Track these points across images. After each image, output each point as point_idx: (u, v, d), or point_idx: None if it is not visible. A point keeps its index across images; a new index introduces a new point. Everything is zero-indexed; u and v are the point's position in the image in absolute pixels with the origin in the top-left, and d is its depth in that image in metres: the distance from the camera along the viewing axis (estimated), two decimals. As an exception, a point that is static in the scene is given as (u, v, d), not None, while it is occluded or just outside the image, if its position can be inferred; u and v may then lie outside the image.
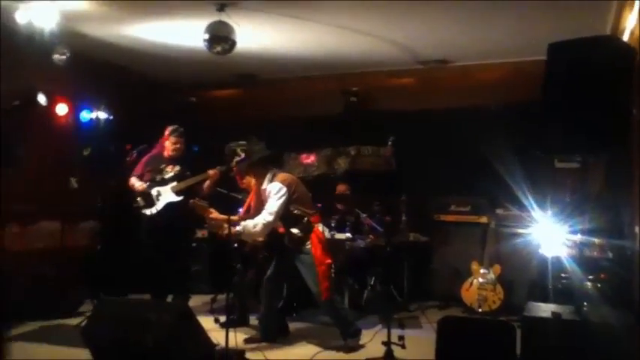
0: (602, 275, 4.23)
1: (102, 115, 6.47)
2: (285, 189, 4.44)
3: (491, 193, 6.08)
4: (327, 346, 4.64)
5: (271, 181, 4.53)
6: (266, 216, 4.39)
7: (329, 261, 4.51)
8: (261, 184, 4.60)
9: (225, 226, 4.21)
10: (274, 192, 4.44)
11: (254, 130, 5.51)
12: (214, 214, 4.52)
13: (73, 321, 5.16)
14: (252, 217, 4.62)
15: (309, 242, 4.50)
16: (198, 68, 6.77)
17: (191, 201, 4.70)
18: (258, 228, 4.38)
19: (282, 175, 4.58)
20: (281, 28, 5.54)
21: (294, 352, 4.58)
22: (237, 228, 4.35)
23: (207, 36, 5.00)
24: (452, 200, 6.51)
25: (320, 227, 4.65)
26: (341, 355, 4.50)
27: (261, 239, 4.66)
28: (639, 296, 3.77)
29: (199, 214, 4.65)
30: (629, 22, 4.10)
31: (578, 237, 4.20)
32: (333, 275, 4.55)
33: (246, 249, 5.11)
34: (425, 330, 5.17)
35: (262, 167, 4.61)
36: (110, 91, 6.58)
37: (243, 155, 4.61)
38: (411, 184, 6.44)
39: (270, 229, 4.44)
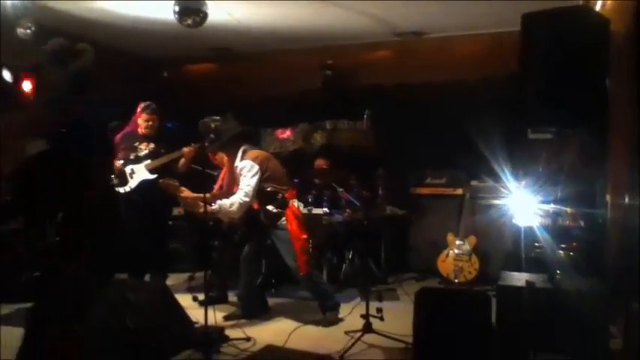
0: (575, 244, 4.31)
1: (71, 92, 6.30)
2: (257, 166, 4.41)
3: (467, 166, 6.13)
4: (306, 321, 4.67)
5: (242, 158, 4.48)
6: (241, 195, 4.36)
7: (305, 236, 4.51)
8: (233, 161, 4.55)
9: (201, 204, 4.17)
10: (247, 170, 4.40)
11: (230, 105, 5.45)
12: (186, 192, 4.45)
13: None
14: (225, 193, 4.59)
15: (284, 218, 4.49)
16: (170, 42, 6.62)
17: (160, 180, 4.62)
18: (234, 207, 4.35)
19: (253, 152, 4.53)
20: (255, 1, 5.42)
21: (274, 327, 4.61)
22: (214, 207, 4.31)
23: (177, 8, 4.88)
24: (428, 173, 6.55)
25: (295, 203, 4.64)
26: (320, 328, 4.54)
27: (237, 217, 4.63)
28: (611, 264, 3.86)
29: (170, 194, 4.58)
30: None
31: (551, 207, 4.26)
32: (310, 250, 4.56)
33: (223, 226, 5.08)
34: (402, 302, 5.25)
35: (233, 145, 4.54)
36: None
37: (213, 136, 4.50)
38: (388, 158, 6.46)
39: (246, 207, 4.41)
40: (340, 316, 4.68)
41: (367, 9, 5.66)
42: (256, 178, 4.39)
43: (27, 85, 6.03)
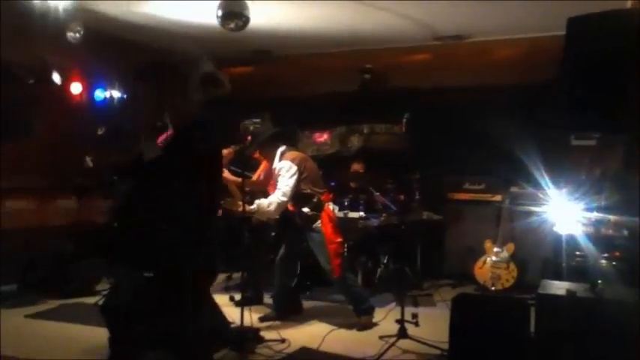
0: (617, 253, 4.19)
1: (116, 93, 6.48)
2: (295, 167, 4.44)
3: (506, 172, 6.04)
4: (341, 324, 4.68)
5: (280, 159, 4.52)
6: (279, 195, 4.39)
7: (340, 239, 4.53)
8: (270, 162, 4.59)
9: (240, 203, 4.23)
10: (285, 170, 4.43)
11: (269, 107, 5.51)
12: (226, 173, 4.43)
13: (92, 299, 5.25)
14: (262, 184, 4.64)
15: (319, 221, 4.51)
16: (212, 45, 6.72)
17: (222, 202, 4.67)
18: (272, 207, 4.38)
19: (291, 154, 4.56)
20: (295, 3, 5.47)
21: (308, 329, 4.63)
22: (252, 207, 4.36)
23: (220, 12, 4.95)
24: (465, 179, 6.48)
25: (330, 206, 4.65)
26: (354, 332, 4.54)
27: (274, 217, 4.67)
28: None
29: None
30: (650, -4, 3.99)
31: (594, 215, 4.16)
32: (345, 253, 4.56)
33: (254, 225, 5.12)
34: (438, 308, 5.19)
35: (270, 146, 4.57)
36: (124, 69, 6.58)
37: (249, 137, 4.53)
38: (424, 162, 6.42)
39: (283, 207, 4.45)
40: (375, 320, 4.68)
41: (408, 12, 5.63)
42: (294, 178, 4.42)
43: (76, 87, 6.26)
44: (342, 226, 4.76)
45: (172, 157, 2.53)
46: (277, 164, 4.51)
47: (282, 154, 4.55)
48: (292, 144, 5.15)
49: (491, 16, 5.69)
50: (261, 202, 4.40)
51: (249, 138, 4.54)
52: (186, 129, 2.57)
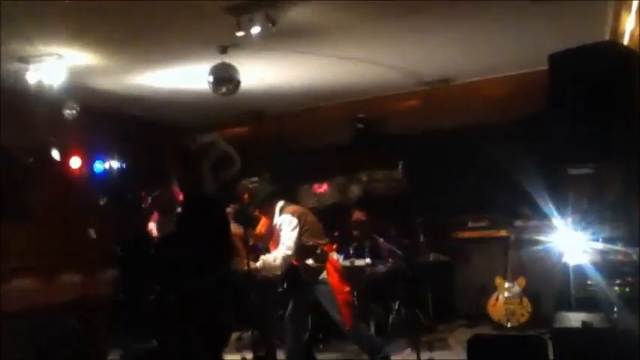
0: (630, 279, 4.16)
1: (115, 164, 6.57)
2: (295, 220, 4.46)
3: (508, 206, 6.06)
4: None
5: (281, 213, 4.54)
6: (284, 249, 4.39)
7: (347, 289, 4.49)
8: (271, 220, 4.61)
9: (244, 261, 4.23)
10: (286, 224, 4.45)
11: (266, 165, 5.60)
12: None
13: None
14: (264, 239, 4.65)
15: (325, 272, 4.48)
16: (206, 110, 6.86)
17: None
18: (278, 261, 4.38)
19: (290, 208, 4.60)
20: (284, 63, 5.62)
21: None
22: (258, 263, 4.36)
23: (211, 78, 5.09)
24: (469, 217, 6.48)
25: (335, 256, 4.64)
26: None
27: (278, 273, 4.64)
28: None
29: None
30: (627, 24, 4.12)
31: (602, 244, 4.15)
32: (355, 302, 4.51)
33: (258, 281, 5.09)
34: (454, 351, 5.10)
35: (268, 204, 4.61)
36: (121, 140, 6.70)
37: (247, 197, 4.55)
38: (426, 205, 6.42)
39: (289, 261, 4.44)
40: (392, 368, 4.58)
41: (393, 61, 5.78)
42: (296, 231, 4.43)
43: (75, 162, 6.34)
44: (349, 274, 4.73)
45: (188, 229, 2.62)
46: (277, 219, 4.54)
47: (282, 208, 4.59)
48: (291, 199, 5.19)
49: (475, 58, 5.84)
50: (267, 258, 4.40)
51: (247, 197, 4.58)
52: (198, 203, 2.68)
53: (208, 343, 2.70)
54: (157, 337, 2.67)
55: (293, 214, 4.51)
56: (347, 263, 5.16)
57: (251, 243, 4.51)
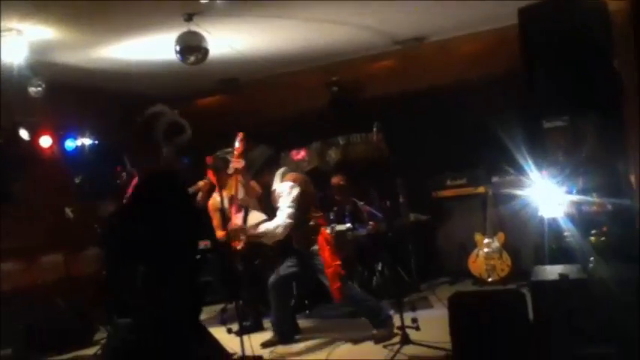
0: (605, 228, 4.23)
1: (87, 141, 6.44)
2: (297, 188, 4.43)
3: (486, 163, 6.09)
4: (344, 339, 4.66)
5: (282, 180, 4.50)
6: (284, 217, 4.36)
7: (338, 262, 4.46)
8: (269, 186, 4.56)
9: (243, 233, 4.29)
10: (287, 192, 4.41)
11: (245, 132, 5.51)
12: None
13: (90, 350, 5.17)
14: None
15: (316, 244, 4.47)
16: (177, 80, 6.72)
17: (229, 229, 4.65)
18: (279, 230, 4.36)
19: (291, 175, 4.56)
20: (253, 29, 5.50)
21: (311, 349, 4.59)
22: (259, 231, 4.35)
23: (178, 47, 4.97)
24: (447, 175, 6.50)
25: (328, 230, 4.63)
26: (358, 345, 4.50)
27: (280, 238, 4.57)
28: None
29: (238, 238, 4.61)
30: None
31: (577, 196, 4.21)
32: (344, 274, 4.48)
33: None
34: (437, 309, 5.18)
35: (268, 169, 4.56)
36: (92, 116, 6.55)
37: (242, 163, 4.45)
38: (405, 165, 6.43)
39: (289, 229, 4.41)
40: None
41: (364, 22, 5.69)
42: (297, 199, 4.39)
43: (46, 141, 6.20)
44: (339, 242, 4.73)
45: (144, 204, 2.59)
46: (278, 186, 4.49)
47: (283, 175, 4.54)
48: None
49: (448, 14, 5.76)
50: (268, 226, 4.37)
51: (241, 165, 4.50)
52: (154, 177, 2.68)
53: (183, 314, 2.72)
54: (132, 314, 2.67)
55: (295, 181, 4.47)
56: (328, 229, 5.14)
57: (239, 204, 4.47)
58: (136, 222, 2.59)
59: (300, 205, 4.43)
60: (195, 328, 3.59)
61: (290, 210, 4.37)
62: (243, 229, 4.40)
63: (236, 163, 4.60)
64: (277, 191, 4.48)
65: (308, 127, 6.91)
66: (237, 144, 4.70)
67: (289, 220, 4.36)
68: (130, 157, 2.95)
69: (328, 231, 4.63)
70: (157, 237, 2.53)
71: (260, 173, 4.57)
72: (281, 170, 4.58)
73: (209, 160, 4.51)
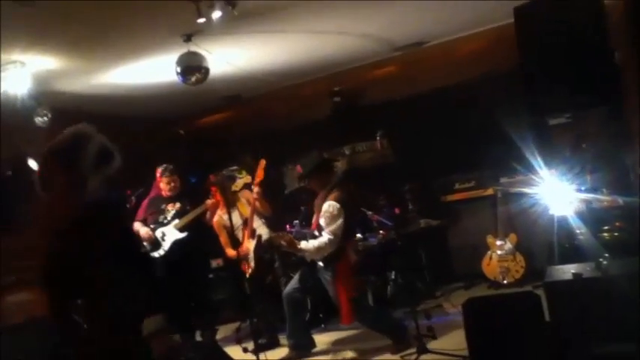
0: (618, 224, 4.17)
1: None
2: (342, 210, 4.35)
3: (493, 164, 6.05)
4: (361, 351, 4.63)
5: (326, 198, 4.43)
6: (329, 236, 4.32)
7: (352, 285, 4.42)
8: (319, 189, 4.53)
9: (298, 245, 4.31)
10: (330, 212, 4.35)
11: (248, 148, 5.55)
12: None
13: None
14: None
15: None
16: (181, 100, 6.77)
17: (272, 236, 4.82)
18: (326, 251, 4.34)
19: (336, 194, 4.45)
20: (252, 44, 5.52)
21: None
22: (309, 247, 4.33)
23: (179, 69, 5.00)
24: (455, 179, 6.46)
25: (352, 254, 4.58)
26: (375, 357, 4.47)
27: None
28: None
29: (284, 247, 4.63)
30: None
31: (587, 193, 4.15)
32: (356, 296, 4.45)
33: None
34: (452, 315, 5.12)
35: (317, 176, 4.54)
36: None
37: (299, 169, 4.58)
38: (412, 171, 6.42)
39: (333, 248, 4.36)
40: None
41: (363, 31, 5.70)
42: (341, 220, 4.33)
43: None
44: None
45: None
46: (324, 205, 4.41)
47: (328, 193, 4.46)
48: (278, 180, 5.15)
49: (445, 16, 5.74)
50: (309, 247, 4.34)
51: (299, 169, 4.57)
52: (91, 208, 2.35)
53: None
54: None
55: (339, 201, 4.39)
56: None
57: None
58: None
59: (345, 225, 4.38)
60: (210, 349, 3.58)
61: (335, 231, 4.32)
62: (290, 238, 4.37)
63: (256, 190, 4.76)
64: (323, 209, 4.40)
65: (313, 139, 6.90)
66: (258, 171, 4.79)
67: (333, 241, 4.32)
68: (41, 182, 2.41)
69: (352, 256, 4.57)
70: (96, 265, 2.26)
71: (309, 178, 4.58)
72: (329, 186, 4.49)
73: (212, 177, 4.53)
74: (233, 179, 5.12)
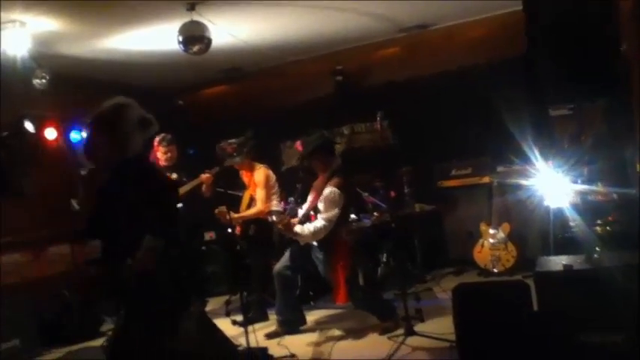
0: (610, 217, 4.18)
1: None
2: (342, 196, 4.36)
3: (491, 152, 6.04)
4: (349, 330, 4.67)
5: (327, 183, 4.41)
6: (325, 223, 4.33)
7: (348, 265, 4.44)
8: (323, 171, 4.50)
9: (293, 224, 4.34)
10: (330, 198, 4.35)
11: (247, 123, 5.51)
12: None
13: (98, 342, 5.20)
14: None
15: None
16: (181, 70, 6.70)
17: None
18: (320, 236, 4.35)
19: (338, 180, 4.44)
20: (256, 17, 5.45)
21: (316, 340, 4.59)
22: (304, 231, 4.34)
23: (181, 38, 4.94)
24: (452, 165, 6.46)
25: (345, 236, 4.58)
26: (363, 336, 4.50)
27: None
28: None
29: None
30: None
31: (582, 185, 4.15)
32: (351, 277, 4.46)
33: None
34: (441, 299, 5.16)
35: (320, 156, 4.50)
36: (96, 107, 6.53)
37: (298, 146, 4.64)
38: (410, 154, 6.40)
39: (327, 232, 4.37)
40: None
41: (368, 9, 5.63)
42: (339, 207, 4.35)
43: (51, 133, 6.21)
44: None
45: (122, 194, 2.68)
46: (326, 189, 4.39)
47: (329, 178, 4.45)
48: (274, 157, 5.12)
49: (452, 1, 5.68)
50: (305, 230, 4.35)
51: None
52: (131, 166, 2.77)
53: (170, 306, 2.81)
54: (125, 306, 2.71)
55: (340, 188, 4.38)
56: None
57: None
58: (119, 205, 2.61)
59: (342, 211, 4.39)
60: (200, 319, 3.61)
61: (331, 217, 4.33)
62: (287, 221, 4.37)
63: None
64: (324, 194, 4.39)
65: (312, 117, 6.86)
66: None
67: (328, 226, 4.33)
68: (87, 150, 2.87)
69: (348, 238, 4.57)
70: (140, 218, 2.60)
71: (309, 157, 4.55)
72: (331, 170, 4.47)
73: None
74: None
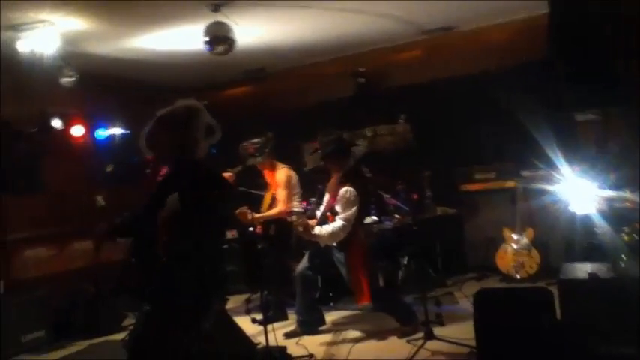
0: (638, 225, 4.09)
1: (118, 130, 6.52)
2: (358, 197, 4.38)
3: (516, 157, 5.96)
4: (367, 332, 4.65)
5: (341, 183, 4.43)
6: (344, 223, 4.35)
7: (366, 265, 4.43)
8: (337, 171, 4.51)
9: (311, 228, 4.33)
10: (347, 198, 4.37)
11: (270, 124, 5.53)
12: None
13: (119, 336, 5.27)
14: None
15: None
16: (205, 70, 6.77)
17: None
18: (339, 237, 4.36)
19: (352, 180, 4.46)
20: (280, 18, 5.48)
21: (335, 341, 4.59)
22: (322, 232, 4.35)
23: (206, 38, 4.98)
24: (475, 169, 6.39)
25: (364, 236, 4.58)
26: (382, 339, 4.48)
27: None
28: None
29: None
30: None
31: (609, 192, 4.07)
32: (369, 277, 4.44)
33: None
34: (462, 304, 5.11)
35: (335, 156, 4.52)
36: (123, 105, 6.63)
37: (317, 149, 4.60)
38: (432, 158, 6.36)
39: (346, 233, 4.38)
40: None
41: (391, 11, 5.61)
42: (356, 207, 4.37)
43: (78, 130, 6.31)
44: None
45: (180, 189, 2.70)
46: (342, 190, 4.41)
47: (346, 178, 4.46)
48: (295, 158, 5.13)
49: (476, 3, 5.62)
50: (323, 231, 4.36)
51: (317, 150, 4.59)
52: (192, 168, 2.81)
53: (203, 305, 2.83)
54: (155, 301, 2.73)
55: (355, 189, 4.40)
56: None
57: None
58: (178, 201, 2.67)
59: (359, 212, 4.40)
60: (220, 317, 3.64)
61: (349, 217, 4.34)
62: (306, 223, 4.37)
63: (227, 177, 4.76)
64: (340, 194, 4.40)
65: (333, 119, 6.85)
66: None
67: (347, 227, 4.34)
68: (148, 139, 2.84)
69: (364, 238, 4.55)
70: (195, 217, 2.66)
71: (325, 159, 4.57)
72: (345, 170, 4.47)
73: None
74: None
